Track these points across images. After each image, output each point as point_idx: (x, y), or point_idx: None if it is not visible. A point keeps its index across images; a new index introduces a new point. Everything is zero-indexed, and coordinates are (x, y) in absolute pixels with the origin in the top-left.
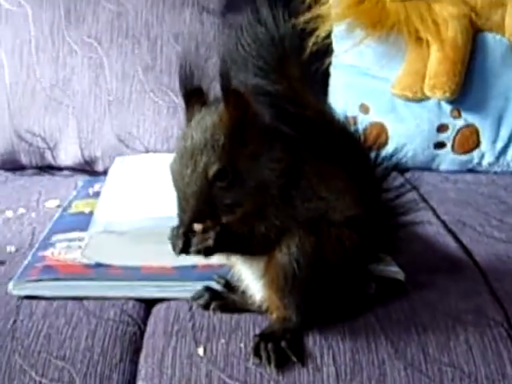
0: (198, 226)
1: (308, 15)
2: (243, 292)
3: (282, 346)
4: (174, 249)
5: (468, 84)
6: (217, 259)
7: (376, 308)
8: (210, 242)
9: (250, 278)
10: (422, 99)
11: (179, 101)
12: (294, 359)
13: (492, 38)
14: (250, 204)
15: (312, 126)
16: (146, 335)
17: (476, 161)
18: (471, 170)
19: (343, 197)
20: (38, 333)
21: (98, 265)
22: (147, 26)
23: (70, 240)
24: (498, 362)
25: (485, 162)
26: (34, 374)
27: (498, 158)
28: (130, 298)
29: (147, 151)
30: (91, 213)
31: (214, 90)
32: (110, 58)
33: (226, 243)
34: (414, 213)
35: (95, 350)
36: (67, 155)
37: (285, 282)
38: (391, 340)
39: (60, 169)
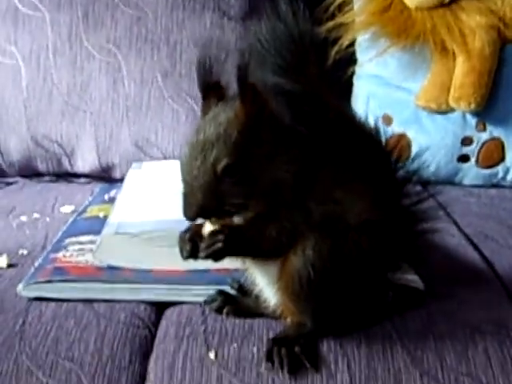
0: (206, 230)
1: (331, 24)
2: (257, 296)
3: (295, 351)
4: (182, 253)
5: (494, 96)
6: (230, 263)
7: (393, 316)
8: (220, 245)
9: (263, 282)
10: (446, 111)
11: (198, 107)
12: (308, 365)
13: None
14: (259, 205)
15: (332, 127)
16: (157, 339)
17: (500, 175)
18: (495, 185)
19: (360, 200)
20: (46, 334)
21: (110, 267)
22: (167, 31)
23: (83, 243)
24: None
25: (509, 177)
26: (41, 375)
27: None
28: (141, 301)
29: (165, 158)
30: (105, 217)
31: (233, 86)
32: (129, 63)
33: (236, 246)
34: (434, 220)
35: (104, 353)
36: (84, 162)
37: (300, 286)
38: (408, 348)
39: (77, 176)
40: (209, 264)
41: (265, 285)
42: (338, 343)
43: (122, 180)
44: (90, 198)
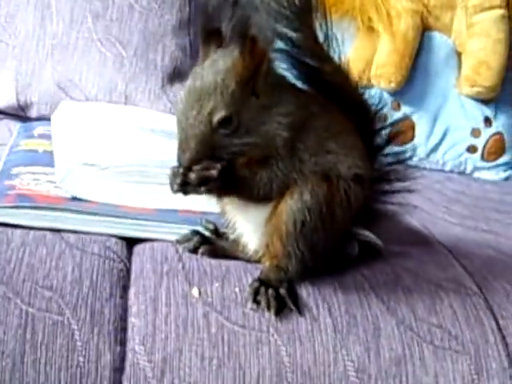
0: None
1: None
2: (234, 240)
3: (281, 293)
4: (172, 186)
5: (411, 79)
6: (210, 206)
7: (361, 269)
8: (214, 173)
9: (245, 225)
10: (365, 87)
11: (126, 54)
12: (293, 308)
13: (439, 38)
14: (252, 154)
15: (328, 81)
16: (133, 274)
17: (408, 154)
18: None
19: (352, 153)
20: (19, 261)
21: (75, 198)
22: None
23: (35, 173)
24: (481, 328)
25: (416, 158)
26: (19, 302)
27: (428, 155)
28: (110, 235)
29: (88, 101)
30: (46, 152)
31: (232, 33)
32: (59, 0)
33: (228, 181)
34: (410, 179)
35: (84, 283)
36: (1, 97)
37: (294, 228)
38: (381, 298)
39: None
40: (178, 204)
41: (247, 229)
42: (317, 289)
43: (38, 119)
44: (16, 133)
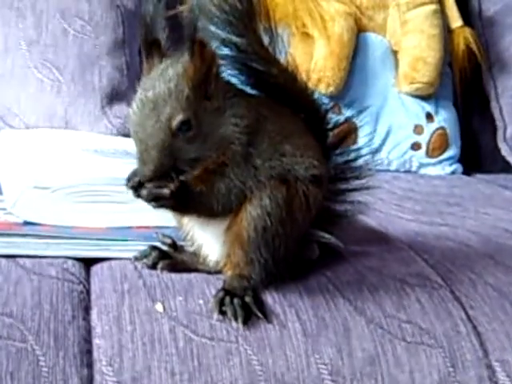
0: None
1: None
2: (193, 252)
3: (247, 301)
4: (127, 182)
5: (349, 81)
6: (164, 220)
7: (324, 271)
8: (166, 192)
9: (204, 237)
10: None
11: (63, 79)
12: (260, 315)
13: (374, 38)
14: (211, 159)
15: (276, 83)
16: (94, 294)
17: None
18: None
19: (307, 153)
20: None
21: (27, 223)
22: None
23: None
24: (451, 320)
25: (360, 159)
26: None
27: (373, 156)
28: (66, 257)
29: (27, 129)
30: None
31: (172, 42)
32: None
33: (183, 199)
34: (364, 178)
35: (44, 307)
36: None
37: (255, 234)
38: (348, 298)
39: None
40: (131, 221)
41: (206, 240)
42: (282, 295)
43: None
44: None
